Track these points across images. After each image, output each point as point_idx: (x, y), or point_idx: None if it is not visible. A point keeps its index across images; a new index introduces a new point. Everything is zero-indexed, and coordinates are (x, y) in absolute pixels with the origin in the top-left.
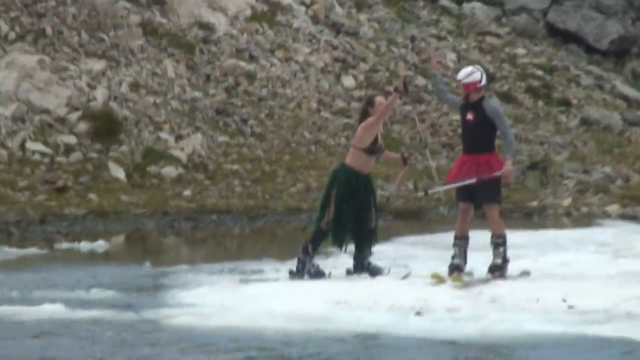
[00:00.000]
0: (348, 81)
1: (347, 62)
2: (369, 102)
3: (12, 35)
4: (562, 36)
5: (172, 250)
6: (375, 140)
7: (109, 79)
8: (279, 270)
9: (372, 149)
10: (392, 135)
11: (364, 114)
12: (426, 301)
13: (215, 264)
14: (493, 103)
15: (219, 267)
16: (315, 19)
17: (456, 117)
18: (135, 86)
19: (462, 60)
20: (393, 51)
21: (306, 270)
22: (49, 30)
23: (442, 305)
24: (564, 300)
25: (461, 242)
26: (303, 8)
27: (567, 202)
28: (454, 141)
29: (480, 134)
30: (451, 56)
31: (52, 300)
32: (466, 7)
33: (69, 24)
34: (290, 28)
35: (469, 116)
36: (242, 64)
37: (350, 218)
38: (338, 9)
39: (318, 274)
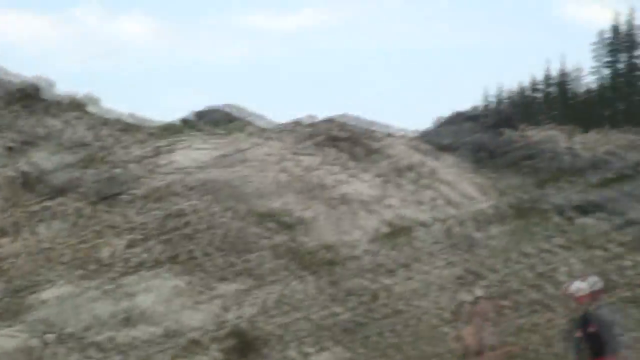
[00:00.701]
0: (477, 292)
1: (470, 277)
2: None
3: (149, 260)
4: None
5: None
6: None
7: (250, 299)
8: None
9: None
10: None
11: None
12: None
13: None
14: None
15: None
16: (442, 236)
17: None
18: (277, 304)
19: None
20: (522, 262)
21: None
22: (197, 254)
23: None
24: None
25: None
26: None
27: None
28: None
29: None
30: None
31: None
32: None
33: (214, 246)
34: (414, 248)
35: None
36: (369, 282)
37: None
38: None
39: None
